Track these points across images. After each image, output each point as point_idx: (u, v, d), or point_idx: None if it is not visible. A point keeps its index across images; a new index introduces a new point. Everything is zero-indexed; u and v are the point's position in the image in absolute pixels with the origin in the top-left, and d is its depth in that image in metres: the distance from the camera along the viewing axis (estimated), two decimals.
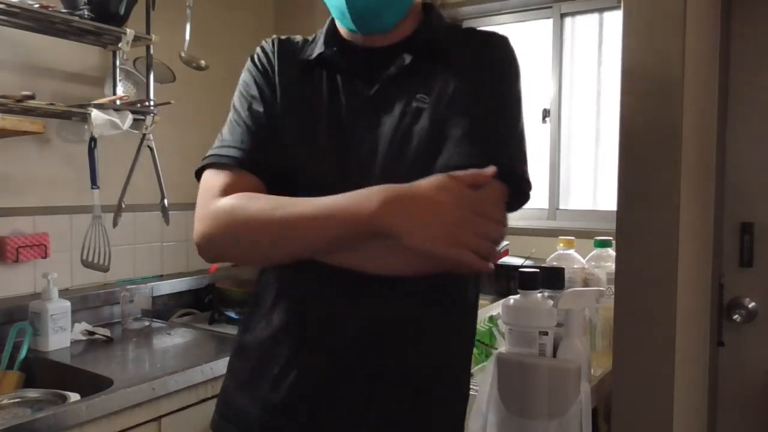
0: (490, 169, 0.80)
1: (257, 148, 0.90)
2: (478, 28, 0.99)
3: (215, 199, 0.87)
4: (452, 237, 0.76)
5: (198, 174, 0.94)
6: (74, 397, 1.40)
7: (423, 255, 0.78)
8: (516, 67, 0.94)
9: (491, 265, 0.79)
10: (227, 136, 0.92)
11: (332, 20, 0.98)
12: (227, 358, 1.57)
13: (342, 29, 0.96)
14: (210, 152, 0.92)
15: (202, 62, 2.18)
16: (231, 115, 0.95)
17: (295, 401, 0.88)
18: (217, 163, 0.90)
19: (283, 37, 1.00)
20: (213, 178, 0.89)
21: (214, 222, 0.85)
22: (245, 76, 0.97)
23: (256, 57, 0.98)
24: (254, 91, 0.94)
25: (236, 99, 0.96)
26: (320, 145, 0.90)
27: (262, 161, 0.89)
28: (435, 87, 0.90)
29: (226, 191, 0.87)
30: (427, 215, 0.76)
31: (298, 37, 1.00)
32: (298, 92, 0.94)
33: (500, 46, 0.94)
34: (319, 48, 0.95)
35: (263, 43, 1.00)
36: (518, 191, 0.88)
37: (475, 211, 0.77)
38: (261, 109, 0.92)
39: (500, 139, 0.88)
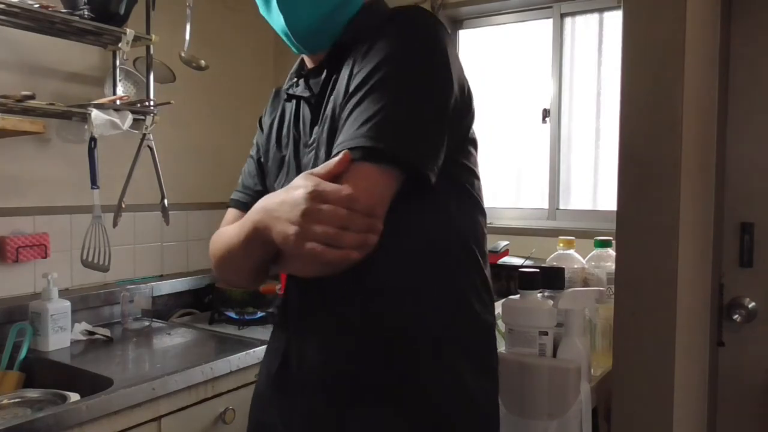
0: (339, 156, 0.77)
1: (252, 192, 1.07)
2: (401, 11, 0.89)
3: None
4: (302, 232, 0.72)
5: None
6: (74, 397, 1.40)
7: (293, 256, 0.80)
8: (416, 38, 0.84)
9: (353, 254, 0.73)
10: (239, 182, 1.12)
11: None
12: (227, 358, 1.59)
13: (295, 52, 1.00)
14: None
15: (202, 62, 2.18)
16: None
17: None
18: (229, 205, 1.10)
19: (280, 87, 1.10)
20: (225, 217, 1.09)
21: (210, 251, 1.03)
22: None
23: (261, 116, 1.13)
24: (254, 143, 1.12)
25: None
26: (287, 174, 0.99)
27: (254, 201, 0.90)
28: (339, 85, 0.89)
29: (225, 226, 1.03)
30: (280, 213, 0.77)
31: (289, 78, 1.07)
32: (276, 133, 1.05)
33: (400, 20, 0.86)
34: (286, 84, 1.04)
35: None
36: (412, 174, 0.80)
37: (320, 201, 0.72)
38: (253, 157, 1.10)
39: (380, 119, 0.79)
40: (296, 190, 0.75)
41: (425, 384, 0.88)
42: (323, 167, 0.78)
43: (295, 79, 1.03)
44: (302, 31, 0.92)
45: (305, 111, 0.99)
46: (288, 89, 1.04)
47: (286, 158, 1.01)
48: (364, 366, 0.88)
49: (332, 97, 0.91)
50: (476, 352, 0.93)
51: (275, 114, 1.08)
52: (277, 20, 0.93)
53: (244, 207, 1.02)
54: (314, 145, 0.94)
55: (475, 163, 0.96)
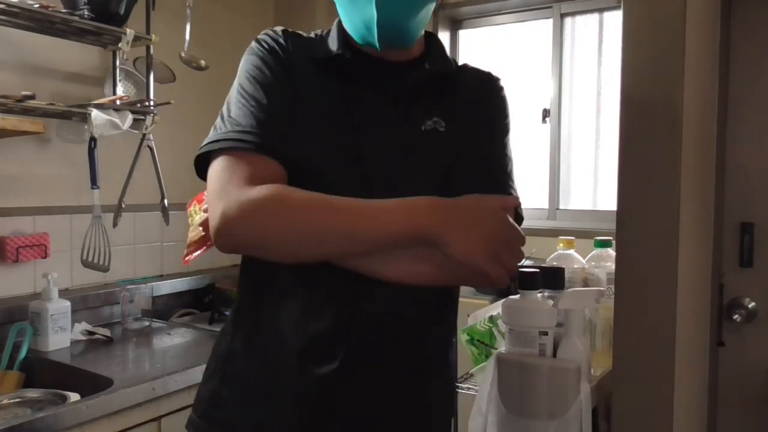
0: (517, 197, 0.93)
1: (277, 133, 0.84)
2: (471, 65, 1.05)
3: (244, 186, 0.80)
4: (494, 254, 0.81)
5: (201, 159, 0.88)
6: (74, 397, 1.40)
7: (460, 267, 0.81)
8: (509, 110, 1.04)
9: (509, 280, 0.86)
10: (243, 119, 0.85)
11: (340, 23, 0.95)
12: None
13: (359, 43, 0.93)
14: (219, 136, 0.85)
15: (202, 62, 2.18)
16: (240, 98, 0.88)
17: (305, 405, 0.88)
18: (235, 148, 0.83)
19: (289, 29, 0.96)
20: (234, 164, 0.83)
21: (255, 209, 0.79)
22: (253, 60, 0.91)
23: (264, 42, 0.92)
24: (269, 74, 0.88)
25: (245, 81, 0.89)
26: (337, 145, 0.88)
27: (282, 147, 0.84)
28: (449, 113, 0.95)
29: (254, 179, 0.81)
30: (474, 229, 0.81)
31: (304, 33, 0.97)
32: (315, 87, 0.90)
33: (502, 91, 1.03)
34: (335, 49, 0.91)
35: (269, 30, 0.95)
36: (519, 219, 0.97)
37: (510, 232, 0.85)
38: (279, 93, 0.87)
39: (509, 173, 0.99)
40: (491, 216, 0.83)
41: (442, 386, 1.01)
42: (503, 200, 0.88)
43: (350, 53, 0.92)
44: (389, 26, 0.86)
45: (369, 92, 0.91)
46: (351, 62, 0.91)
47: (333, 128, 0.89)
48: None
49: (437, 120, 0.94)
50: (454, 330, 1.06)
51: (310, 65, 0.91)
52: (363, 9, 0.86)
53: (277, 156, 0.84)
54: (387, 140, 0.90)
55: None
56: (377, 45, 0.88)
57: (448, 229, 0.80)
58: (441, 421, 1.01)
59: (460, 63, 1.05)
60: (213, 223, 0.82)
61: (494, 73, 1.04)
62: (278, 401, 0.89)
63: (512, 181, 0.99)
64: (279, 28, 0.95)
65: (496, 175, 0.97)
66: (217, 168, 0.84)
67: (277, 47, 0.91)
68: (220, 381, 0.96)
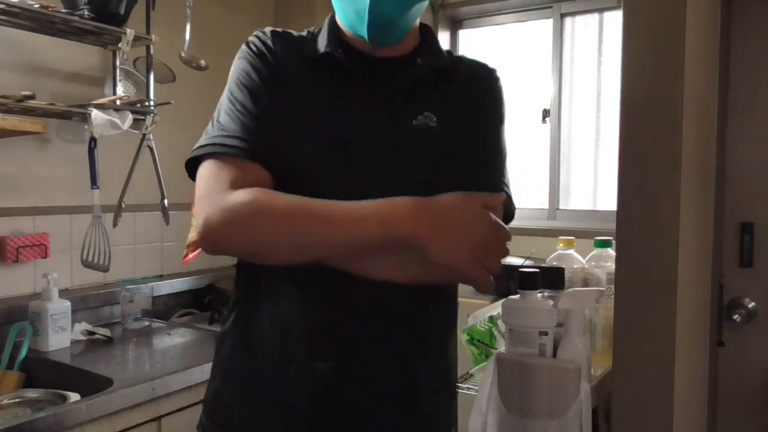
0: (502, 195, 0.89)
1: (264, 139, 0.85)
2: (467, 57, 1.04)
3: (227, 191, 0.82)
4: (475, 255, 0.80)
5: (191, 163, 0.89)
6: (74, 397, 1.40)
7: (441, 267, 0.81)
8: (505, 101, 1.02)
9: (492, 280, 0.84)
10: (229, 125, 0.86)
11: (333, 20, 0.96)
12: None
13: (348, 33, 0.94)
14: (208, 140, 0.87)
15: (202, 62, 2.18)
16: (228, 103, 0.89)
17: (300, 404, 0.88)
18: (221, 153, 0.85)
19: (279, 29, 0.96)
20: (219, 169, 0.84)
21: (234, 214, 0.80)
22: (242, 64, 0.91)
23: (253, 45, 0.93)
24: (256, 79, 0.89)
25: (234, 87, 0.90)
26: (326, 145, 0.88)
27: (269, 153, 0.85)
28: (441, 108, 0.94)
29: (237, 184, 0.82)
30: (455, 231, 0.80)
31: (294, 33, 0.97)
32: (304, 87, 0.90)
33: (497, 82, 1.01)
34: (324, 47, 0.92)
35: (258, 33, 0.95)
36: (509, 215, 0.96)
37: (493, 231, 0.82)
38: (266, 98, 0.88)
39: (499, 168, 0.98)
40: (474, 217, 0.82)
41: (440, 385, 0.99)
42: (488, 198, 0.85)
43: (340, 51, 0.91)
44: (381, 23, 0.87)
45: (360, 90, 0.91)
46: (341, 59, 0.91)
47: (323, 124, 0.89)
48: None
49: (428, 114, 0.93)
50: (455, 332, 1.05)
51: (300, 64, 0.92)
52: (356, 1, 0.87)
53: (264, 162, 0.85)
54: (379, 136, 0.89)
55: None
56: (366, 35, 0.88)
57: (427, 233, 0.80)
58: (442, 414, 1.00)
59: (457, 55, 1.03)
60: (198, 228, 0.84)
61: (490, 64, 1.03)
62: (274, 400, 0.89)
63: (503, 176, 0.97)
64: (268, 29, 0.95)
65: (485, 170, 0.95)
66: (203, 173, 0.86)
67: (265, 50, 0.92)
68: (221, 381, 0.96)
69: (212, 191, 0.83)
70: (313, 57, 0.92)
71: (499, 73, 1.02)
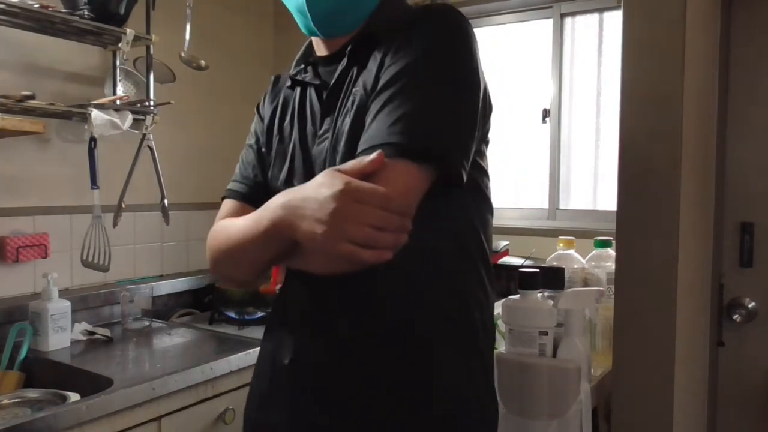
0: (374, 155, 0.75)
1: (251, 183, 1.02)
2: (428, 6, 0.89)
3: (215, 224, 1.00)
4: (338, 231, 0.70)
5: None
6: (74, 397, 1.40)
7: (322, 254, 0.77)
8: (451, 37, 0.84)
9: (387, 254, 0.72)
10: (235, 172, 1.07)
11: (309, 40, 1.03)
12: (227, 358, 1.58)
13: (305, 33, 0.98)
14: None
15: (202, 62, 2.18)
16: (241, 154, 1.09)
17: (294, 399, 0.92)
18: (225, 196, 1.05)
19: (280, 74, 1.09)
20: (221, 208, 1.03)
21: (207, 244, 0.99)
22: (252, 123, 1.09)
23: (259, 103, 1.09)
24: (251, 134, 1.07)
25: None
26: (292, 164, 0.96)
27: (255, 194, 1.00)
28: (366, 76, 0.87)
29: (224, 218, 1.00)
30: (311, 212, 0.73)
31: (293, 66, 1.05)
32: (278, 121, 1.02)
33: (435, 17, 0.85)
34: (293, 71, 1.01)
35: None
36: (446, 171, 0.81)
37: (354, 200, 0.70)
38: (253, 147, 1.05)
39: (415, 116, 0.79)
40: (324, 188, 0.72)
41: (438, 382, 0.88)
42: (353, 164, 0.75)
43: (302, 66, 1.00)
44: (322, 11, 0.88)
45: (313, 100, 0.96)
46: (295, 75, 1.00)
47: (291, 149, 0.97)
48: (375, 364, 0.87)
49: (356, 90, 0.88)
50: (481, 350, 0.93)
51: (276, 101, 1.04)
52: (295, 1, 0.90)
53: (243, 198, 1.01)
54: (327, 136, 0.90)
55: (487, 163, 0.97)
56: (315, 32, 0.93)
57: (290, 220, 0.76)
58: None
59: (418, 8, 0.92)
60: None
61: (444, 6, 0.88)
62: (267, 397, 0.97)
63: (438, 131, 0.80)
64: (272, 77, 1.10)
65: (381, 125, 0.80)
66: None
67: (261, 105, 1.08)
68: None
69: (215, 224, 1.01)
70: (287, 86, 1.03)
71: (449, 12, 0.86)
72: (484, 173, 0.95)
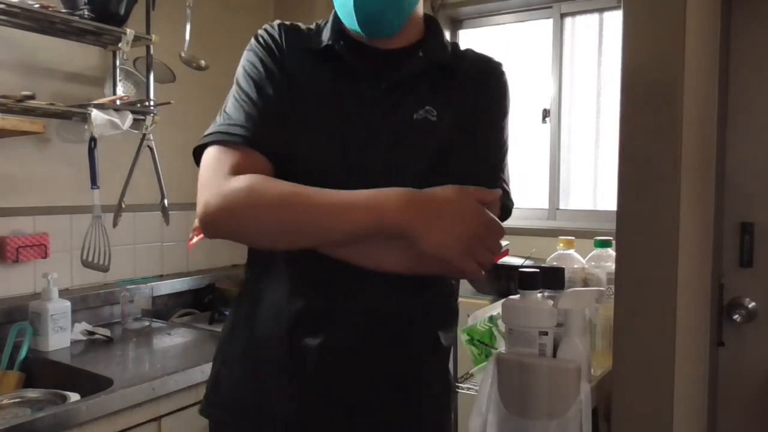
0: (498, 191, 0.89)
1: (266, 129, 0.88)
2: (473, 50, 1.03)
3: (227, 176, 0.85)
4: (467, 248, 0.81)
5: (198, 151, 0.92)
6: (74, 397, 1.40)
7: (432, 259, 0.82)
8: (509, 95, 1.01)
9: (482, 272, 0.85)
10: (234, 114, 0.90)
11: (336, 15, 0.97)
12: None
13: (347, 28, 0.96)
14: (214, 129, 0.90)
15: (202, 62, 2.18)
16: (235, 93, 0.93)
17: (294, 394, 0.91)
18: (224, 141, 0.88)
19: (287, 22, 1.00)
20: (222, 156, 0.87)
21: (230, 200, 0.83)
22: (250, 56, 0.95)
23: (261, 38, 0.96)
24: (262, 71, 0.92)
25: (241, 78, 0.94)
26: (326, 136, 0.90)
27: (270, 142, 0.88)
28: (442, 102, 0.94)
29: (237, 170, 0.85)
30: (446, 224, 0.81)
31: (302, 26, 1.01)
32: (307, 80, 0.93)
33: (501, 76, 1.01)
34: (326, 40, 0.94)
35: (267, 26, 0.98)
36: (506, 210, 0.96)
37: (486, 226, 0.83)
38: (270, 89, 0.90)
39: (499, 163, 0.97)
40: (466, 210, 0.82)
41: (433, 374, 0.99)
42: (483, 193, 0.86)
43: (340, 41, 0.94)
44: (367, 11, 0.89)
45: (360, 82, 0.93)
46: (342, 51, 0.93)
47: (343, 125, 0.91)
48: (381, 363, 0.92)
49: (429, 108, 0.93)
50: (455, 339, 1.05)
51: (304, 66, 0.94)
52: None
53: (254, 144, 0.87)
54: (382, 130, 0.91)
55: None
56: (361, 32, 0.91)
57: (418, 224, 0.80)
58: (436, 407, 1.01)
59: (463, 48, 1.03)
60: (198, 211, 0.87)
61: (496, 58, 1.02)
62: (265, 380, 0.93)
63: (501, 170, 0.97)
64: (276, 22, 0.99)
65: (483, 165, 0.94)
66: (206, 159, 0.89)
67: (272, 42, 0.95)
68: (220, 364, 0.99)
69: (213, 177, 0.86)
70: (317, 50, 0.94)
71: (504, 68, 1.01)
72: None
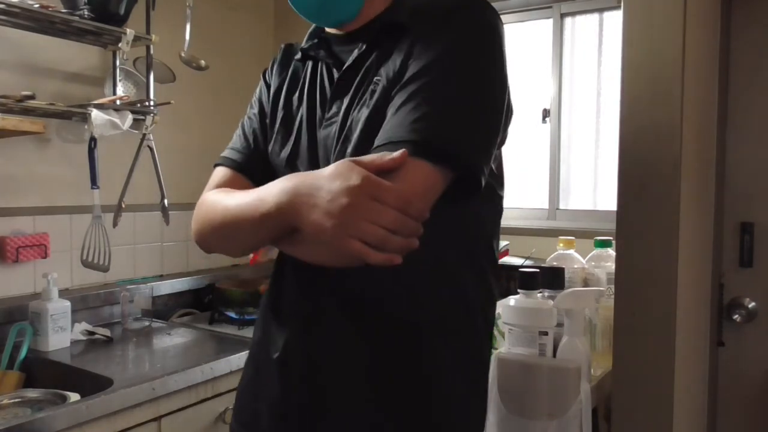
0: (398, 152, 0.71)
1: (248, 152, 0.98)
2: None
3: (206, 192, 0.96)
4: (346, 226, 0.67)
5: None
6: (74, 397, 1.40)
7: (324, 246, 0.73)
8: (483, 35, 0.81)
9: (397, 259, 0.68)
10: (233, 139, 1.03)
11: None
12: (227, 358, 1.58)
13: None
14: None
15: (202, 62, 2.18)
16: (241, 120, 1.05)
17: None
18: (219, 163, 1.00)
19: (292, 43, 1.05)
20: (213, 175, 0.99)
21: (195, 213, 0.95)
22: (259, 85, 1.06)
23: (267, 69, 1.06)
24: (255, 101, 1.04)
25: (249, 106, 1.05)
26: (297, 144, 0.93)
27: (252, 164, 0.97)
28: (390, 65, 0.83)
29: (217, 187, 0.96)
30: (322, 202, 0.69)
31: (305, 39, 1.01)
32: (285, 94, 0.99)
33: (467, 10, 0.81)
34: (306, 43, 0.98)
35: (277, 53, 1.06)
36: (465, 174, 0.77)
37: (370, 197, 0.66)
38: (256, 115, 1.01)
39: (440, 114, 0.76)
40: (339, 179, 0.68)
41: (437, 390, 0.87)
42: (373, 158, 0.71)
43: (315, 40, 0.95)
44: (303, 6, 0.89)
45: (324, 78, 0.92)
46: (308, 50, 0.95)
47: (296, 126, 0.93)
48: (366, 366, 0.87)
49: (377, 78, 0.84)
50: (481, 349, 0.92)
51: (286, 73, 1.00)
52: None
53: (238, 168, 0.96)
54: (336, 120, 0.87)
55: (501, 164, 0.94)
56: (312, 21, 0.94)
57: (298, 208, 0.72)
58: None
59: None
60: None
61: (471, 2, 0.83)
62: (254, 386, 0.98)
63: (462, 133, 0.77)
64: (282, 46, 1.06)
65: (404, 122, 0.76)
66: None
67: (269, 73, 1.05)
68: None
69: (204, 193, 0.97)
70: (297, 58, 1.00)
71: (479, 3, 0.82)
72: (500, 176, 0.93)
